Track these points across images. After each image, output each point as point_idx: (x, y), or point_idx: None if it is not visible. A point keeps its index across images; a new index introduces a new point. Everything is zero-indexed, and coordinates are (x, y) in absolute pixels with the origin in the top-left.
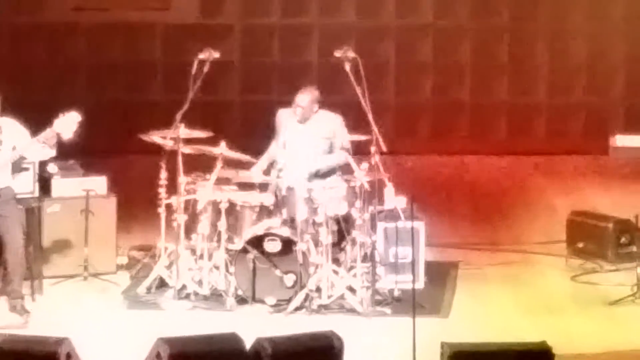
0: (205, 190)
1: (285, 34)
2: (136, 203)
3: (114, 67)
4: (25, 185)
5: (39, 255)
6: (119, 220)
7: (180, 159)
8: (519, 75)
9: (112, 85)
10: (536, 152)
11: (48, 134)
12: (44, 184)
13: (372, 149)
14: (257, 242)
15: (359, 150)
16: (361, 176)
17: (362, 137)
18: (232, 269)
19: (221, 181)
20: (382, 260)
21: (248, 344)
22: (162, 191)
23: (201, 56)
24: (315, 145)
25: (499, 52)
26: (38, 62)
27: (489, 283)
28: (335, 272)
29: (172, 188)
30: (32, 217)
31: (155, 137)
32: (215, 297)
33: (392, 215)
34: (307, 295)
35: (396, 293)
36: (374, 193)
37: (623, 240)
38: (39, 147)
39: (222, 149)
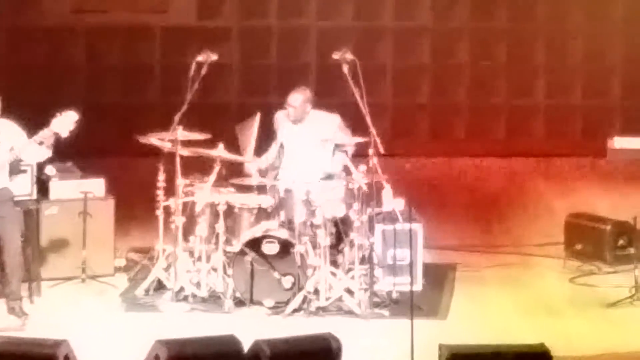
0: (203, 193)
1: (283, 36)
2: (134, 205)
3: (112, 69)
4: (23, 187)
5: (37, 257)
6: (117, 223)
7: (178, 161)
8: (517, 77)
9: (111, 87)
10: (534, 154)
11: (45, 134)
12: (42, 186)
13: (370, 151)
14: (255, 244)
15: (357, 152)
16: (359, 178)
17: (360, 139)
18: (230, 271)
19: (219, 183)
20: (380, 262)
21: (246, 346)
22: (160, 193)
23: (199, 58)
24: (315, 146)
25: (497, 54)
26: (37, 63)
27: (487, 285)
28: (333, 274)
29: (170, 190)
30: (30, 219)
31: (154, 139)
32: (213, 299)
33: (390, 217)
34: (305, 297)
35: (394, 295)
36: (372, 195)
37: (621, 242)
38: (36, 148)
39: (220, 151)
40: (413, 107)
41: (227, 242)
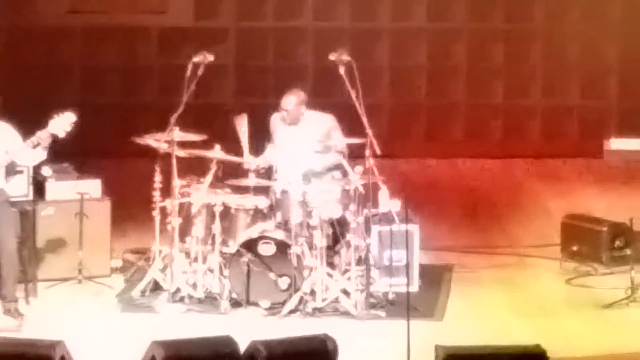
0: (200, 194)
1: (279, 38)
2: (130, 206)
3: (109, 70)
4: (20, 188)
5: (33, 258)
6: (113, 223)
7: (174, 162)
8: (513, 78)
9: (107, 88)
10: (531, 155)
11: (42, 135)
12: (38, 187)
13: (367, 152)
14: (251, 245)
15: (354, 154)
16: (355, 179)
17: (357, 140)
18: (226, 272)
19: (215, 184)
20: (376, 263)
21: (242, 347)
22: (156, 194)
23: (196, 59)
24: (308, 147)
25: (494, 54)
26: (34, 64)
27: (484, 286)
28: (330, 275)
29: (167, 191)
30: (27, 220)
31: (150, 140)
32: (210, 300)
33: (387, 219)
34: (301, 298)
35: (390, 296)
36: (369, 196)
37: (617, 243)
38: (31, 151)
39: (216, 152)
40: (410, 108)
41: (224, 243)
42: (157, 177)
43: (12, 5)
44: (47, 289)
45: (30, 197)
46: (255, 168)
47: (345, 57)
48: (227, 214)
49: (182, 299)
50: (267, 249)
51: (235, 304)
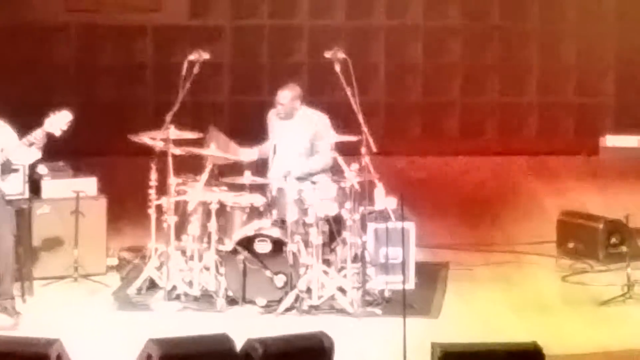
0: (196, 191)
1: (275, 35)
2: (126, 204)
3: (104, 68)
4: (15, 186)
5: (29, 257)
6: (109, 222)
7: (170, 160)
8: (509, 75)
9: (103, 86)
10: (526, 153)
11: (37, 134)
12: (34, 185)
13: (363, 149)
14: (247, 243)
15: (349, 151)
16: (351, 177)
17: (352, 138)
18: (222, 269)
19: (211, 182)
20: (372, 260)
21: (239, 345)
22: (152, 192)
23: (191, 57)
24: (298, 142)
25: (489, 52)
26: (28, 62)
27: (480, 283)
28: (326, 273)
29: (163, 189)
30: (22, 218)
31: (146, 138)
32: (206, 298)
33: (383, 216)
34: (297, 296)
35: (386, 294)
36: (364, 194)
37: (613, 240)
38: (26, 150)
39: (212, 151)
40: (405, 105)
41: (220, 241)
42: (153, 175)
43: (7, 3)
44: (43, 287)
45: (26, 195)
46: (249, 161)
47: (341, 55)
48: (223, 211)
49: (178, 297)
50: (263, 247)
51: (232, 301)
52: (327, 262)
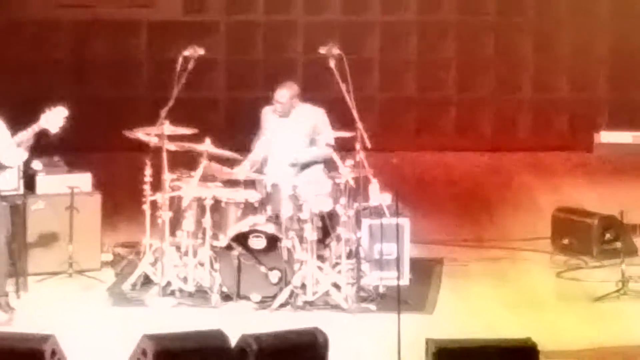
0: (190, 187)
1: (270, 31)
2: (121, 200)
3: (98, 64)
4: (10, 182)
5: (23, 252)
6: (103, 217)
7: (165, 155)
8: (504, 71)
9: (97, 82)
10: (521, 149)
11: (24, 135)
12: (29, 181)
13: (357, 145)
14: (242, 238)
15: (344, 147)
16: (346, 173)
17: (347, 134)
18: (217, 265)
19: (206, 177)
20: (366, 256)
21: (233, 341)
22: (146, 188)
23: (186, 53)
24: (297, 138)
25: (484, 48)
26: (23, 59)
27: (474, 279)
28: (320, 269)
29: (157, 185)
30: (17, 214)
31: (140, 134)
32: (200, 293)
33: (377, 212)
34: (292, 292)
35: (381, 289)
36: (359, 190)
37: (608, 236)
38: (14, 151)
39: (206, 146)
40: (400, 101)
41: (214, 236)
42: (148, 171)
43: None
44: (37, 283)
45: (21, 191)
46: (245, 178)
47: (336, 51)
48: (217, 207)
49: (172, 293)
50: (257, 243)
51: (226, 297)
52: (321, 258)
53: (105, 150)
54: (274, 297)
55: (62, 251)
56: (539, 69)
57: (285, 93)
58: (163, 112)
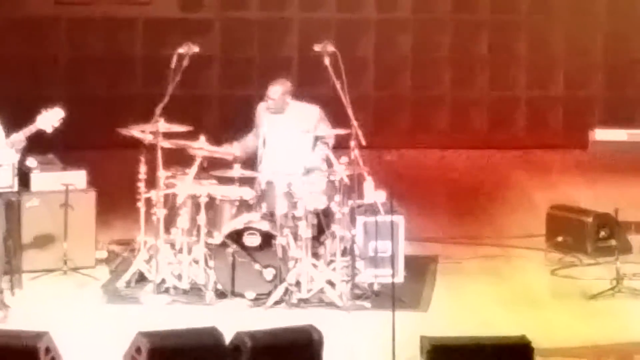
0: (185, 185)
1: (265, 29)
2: (115, 197)
3: (94, 61)
4: (4, 179)
5: (18, 250)
6: (98, 215)
7: (159, 153)
8: (499, 69)
9: (92, 79)
10: (516, 146)
11: (18, 136)
12: (23, 178)
13: (352, 143)
14: (236, 236)
15: (339, 144)
16: (341, 170)
17: (342, 131)
18: (211, 263)
19: (200, 175)
20: (361, 254)
21: (228, 338)
22: (141, 185)
23: (181, 50)
24: (297, 138)
25: (479, 46)
26: (18, 56)
27: (469, 277)
28: (315, 266)
29: (152, 182)
30: (11, 211)
31: (135, 131)
32: (195, 291)
33: (372, 209)
34: (286, 289)
35: (376, 287)
36: (354, 187)
37: (602, 234)
38: (6, 152)
39: (201, 143)
40: (395, 99)
41: (209, 234)
42: (142, 168)
43: None
44: (32, 280)
45: (15, 188)
46: (232, 159)
47: (331, 48)
48: (212, 205)
49: (167, 290)
50: (252, 240)
51: (221, 295)
52: (316, 256)
53: (100, 148)
54: (269, 294)
55: (57, 248)
56: (534, 66)
57: (277, 89)
58: (158, 110)
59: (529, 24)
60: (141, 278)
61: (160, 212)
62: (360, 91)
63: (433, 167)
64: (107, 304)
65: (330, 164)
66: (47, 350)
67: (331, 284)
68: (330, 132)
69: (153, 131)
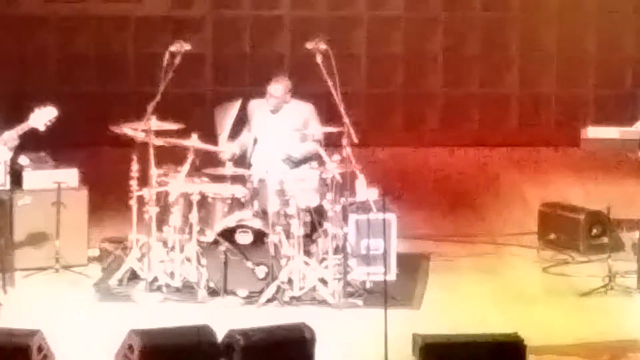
0: (177, 182)
1: (256, 26)
2: (108, 195)
3: (85, 59)
4: None
5: (10, 248)
6: (90, 213)
7: (151, 151)
8: (490, 66)
9: (84, 77)
10: (508, 144)
11: (7, 135)
12: (15, 176)
13: (344, 140)
14: (228, 234)
15: (331, 142)
16: (333, 168)
17: (334, 129)
18: (203, 261)
19: (192, 173)
20: (353, 252)
21: (220, 336)
22: (133, 183)
23: (172, 48)
24: (288, 135)
25: (471, 43)
26: (9, 53)
27: (461, 274)
28: (307, 264)
29: (144, 180)
30: (3, 209)
31: (127, 129)
32: (187, 289)
33: (364, 207)
34: (278, 287)
35: (368, 285)
36: (346, 185)
37: (594, 231)
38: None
39: (193, 141)
40: (387, 96)
41: (201, 232)
42: (134, 166)
43: None
44: (24, 279)
45: (7, 186)
46: (230, 157)
47: (322, 46)
48: (204, 203)
49: (159, 288)
50: (244, 238)
51: (213, 293)
52: (308, 254)
53: (92, 146)
54: (261, 292)
55: (49, 246)
56: (526, 64)
57: (279, 87)
58: (150, 107)
59: (521, 22)
60: (133, 276)
61: (152, 210)
62: (353, 88)
63: (425, 165)
64: (100, 302)
65: (322, 162)
66: (40, 348)
67: (323, 281)
68: (321, 130)
69: (145, 129)
